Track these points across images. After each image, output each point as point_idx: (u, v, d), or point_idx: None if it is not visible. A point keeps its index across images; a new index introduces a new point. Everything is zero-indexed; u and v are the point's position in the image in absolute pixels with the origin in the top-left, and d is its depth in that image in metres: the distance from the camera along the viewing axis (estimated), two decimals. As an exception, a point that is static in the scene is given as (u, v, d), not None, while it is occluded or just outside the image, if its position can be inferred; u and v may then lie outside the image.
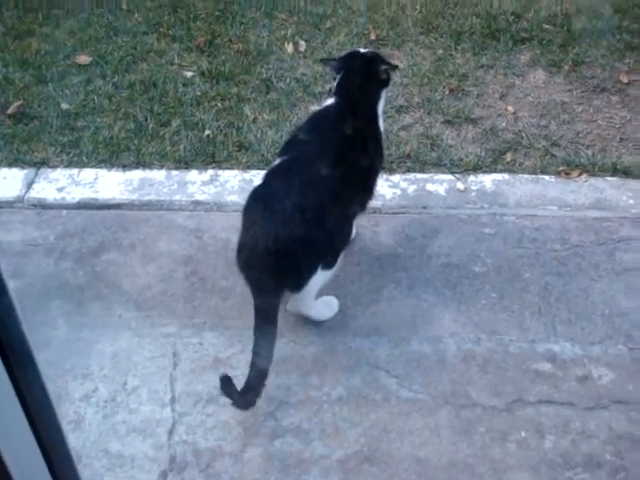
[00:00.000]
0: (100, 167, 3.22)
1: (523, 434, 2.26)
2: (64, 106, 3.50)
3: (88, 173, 3.19)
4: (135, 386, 2.40)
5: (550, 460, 2.19)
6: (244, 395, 2.21)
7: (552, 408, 2.32)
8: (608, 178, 3.13)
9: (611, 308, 2.61)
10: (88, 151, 3.28)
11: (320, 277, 2.35)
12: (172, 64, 3.78)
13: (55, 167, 3.21)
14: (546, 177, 3.15)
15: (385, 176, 3.12)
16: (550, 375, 2.41)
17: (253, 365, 2.22)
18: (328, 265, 2.37)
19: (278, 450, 2.22)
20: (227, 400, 2.24)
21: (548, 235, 2.86)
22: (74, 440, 2.24)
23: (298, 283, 2.33)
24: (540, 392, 2.37)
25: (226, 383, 2.20)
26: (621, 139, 3.35)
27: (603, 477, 2.15)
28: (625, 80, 3.66)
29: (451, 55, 3.80)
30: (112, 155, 3.26)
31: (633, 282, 2.69)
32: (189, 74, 3.72)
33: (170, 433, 2.27)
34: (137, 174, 3.19)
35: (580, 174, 3.15)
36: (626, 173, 3.15)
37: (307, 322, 2.53)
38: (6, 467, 0.73)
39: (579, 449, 2.22)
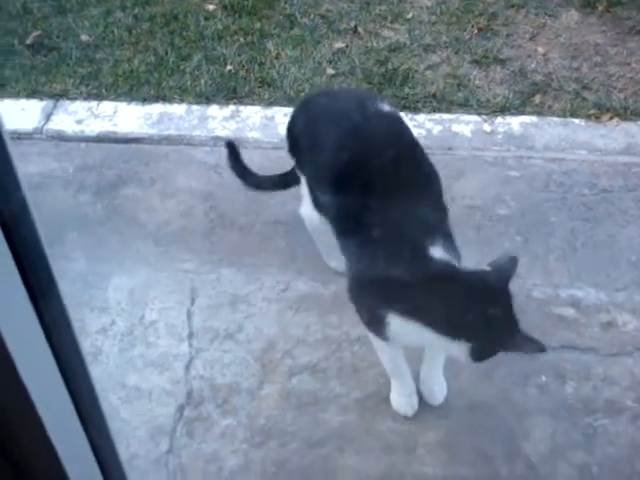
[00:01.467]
0: (119, 100, 3.17)
1: (544, 378, 2.22)
2: (83, 37, 3.44)
3: (107, 106, 3.14)
4: (152, 320, 2.38)
5: (570, 405, 2.16)
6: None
7: (574, 354, 2.28)
8: (640, 123, 3.05)
9: (638, 255, 2.55)
10: (107, 84, 3.22)
11: None
12: (194, -4, 3.69)
13: (74, 99, 3.16)
14: (576, 120, 3.06)
15: (410, 115, 3.05)
16: (573, 321, 2.37)
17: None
18: None
19: (295, 388, 2.21)
20: (243, 337, 2.24)
21: (576, 179, 2.79)
22: (91, 373, 2.23)
23: None
24: (562, 337, 2.32)
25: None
26: (655, 83, 3.25)
27: (623, 422, 2.11)
28: (661, 22, 3.54)
29: (481, -7, 3.68)
30: (132, 88, 3.21)
31: (662, 229, 2.63)
32: (211, 7, 3.63)
33: (187, 368, 2.26)
34: (157, 108, 3.13)
35: (611, 118, 3.06)
36: (659, 118, 3.06)
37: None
38: (29, 394, 0.71)
39: (600, 395, 2.18)
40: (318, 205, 2.16)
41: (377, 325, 1.87)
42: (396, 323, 1.78)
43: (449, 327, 1.72)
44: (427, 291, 1.74)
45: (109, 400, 2.17)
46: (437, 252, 1.79)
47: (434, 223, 1.90)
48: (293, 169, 2.33)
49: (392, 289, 1.79)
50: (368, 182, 1.91)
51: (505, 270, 1.76)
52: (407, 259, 1.80)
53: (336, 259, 2.30)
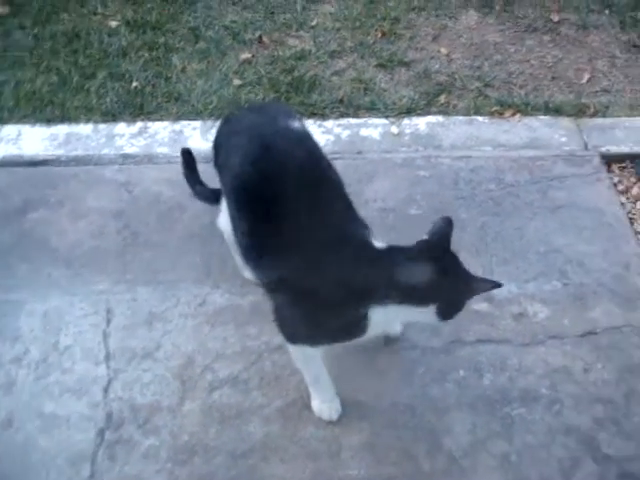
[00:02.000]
0: (23, 123, 3.10)
1: (462, 373, 2.27)
2: (-19, 60, 3.36)
3: (10, 129, 3.07)
4: (68, 345, 2.33)
5: (488, 397, 2.21)
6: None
7: (490, 346, 2.33)
8: (541, 117, 3.13)
9: (545, 245, 2.62)
10: (9, 107, 3.15)
11: None
12: (95, 14, 3.65)
13: (-26, 125, 3.09)
14: (480, 118, 3.13)
15: (319, 122, 3.08)
16: (487, 314, 2.42)
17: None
18: None
19: (217, 402, 2.19)
20: (162, 354, 2.23)
21: (483, 176, 2.86)
22: (6, 404, 2.18)
23: None
24: (478, 331, 2.37)
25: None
26: (553, 78, 3.35)
27: (539, 410, 2.17)
28: (556, 19, 3.65)
29: (382, -2, 3.74)
30: (35, 110, 3.15)
31: (566, 219, 2.71)
32: (114, 24, 3.59)
33: (105, 391, 2.22)
34: (63, 129, 3.08)
35: (513, 114, 3.14)
36: (558, 111, 3.15)
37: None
38: None
39: (516, 385, 2.24)
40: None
41: (352, 327, 1.88)
42: (378, 313, 1.82)
43: (418, 298, 1.81)
44: (390, 275, 1.80)
45: (26, 430, 2.13)
46: (376, 244, 1.89)
47: (352, 226, 1.94)
48: None
49: (358, 290, 1.83)
50: (270, 198, 1.92)
51: (442, 232, 1.86)
52: (351, 259, 1.86)
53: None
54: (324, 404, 2.15)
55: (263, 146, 1.99)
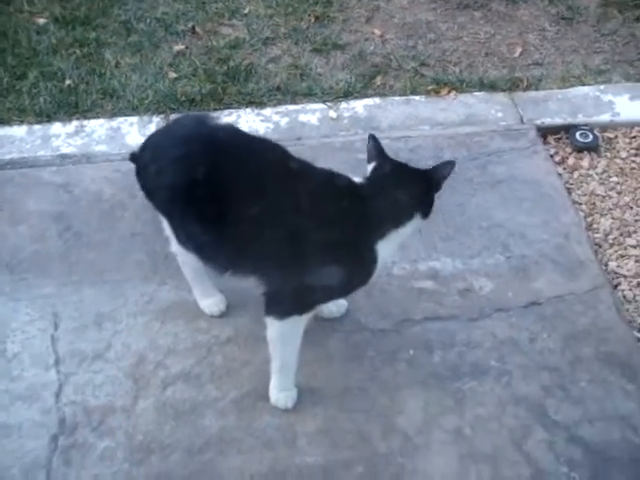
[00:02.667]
0: (-47, 128, 3.03)
1: (412, 352, 2.30)
2: None
3: (-59, 135, 3.00)
4: (16, 352, 2.30)
5: (439, 373, 2.25)
6: None
7: (438, 323, 2.37)
8: (476, 93, 3.17)
9: (487, 220, 2.67)
10: (-64, 113, 3.08)
11: None
12: (22, 11, 3.57)
13: None
14: (417, 97, 3.16)
15: (256, 111, 3.07)
16: (434, 292, 2.46)
17: None
18: None
19: (170, 398, 2.19)
20: (112, 354, 2.22)
21: (422, 154, 2.88)
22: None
23: None
24: (425, 309, 2.41)
25: None
26: (486, 54, 3.40)
27: (489, 382, 2.22)
28: (486, -6, 3.69)
29: (313, -18, 3.73)
30: (-35, 115, 3.07)
31: (506, 193, 2.75)
32: (42, 21, 3.52)
33: (57, 395, 2.20)
34: (-5, 132, 3.02)
35: (449, 92, 3.18)
36: (493, 87, 3.20)
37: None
38: None
39: (465, 359, 2.28)
40: (182, 241, 2.11)
41: (363, 269, 1.98)
42: (382, 247, 1.96)
43: (406, 215, 1.99)
44: (383, 206, 1.97)
45: (-23, 442, 2.10)
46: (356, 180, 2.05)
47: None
48: None
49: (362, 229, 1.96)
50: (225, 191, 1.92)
51: (378, 149, 2.09)
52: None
53: (213, 298, 2.37)
54: (282, 393, 2.15)
55: (204, 143, 1.98)
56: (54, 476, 2.03)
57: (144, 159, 2.08)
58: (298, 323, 2.02)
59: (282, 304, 2.01)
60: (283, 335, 2.05)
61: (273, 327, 2.03)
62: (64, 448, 2.09)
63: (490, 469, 2.05)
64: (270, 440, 2.10)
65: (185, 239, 2.08)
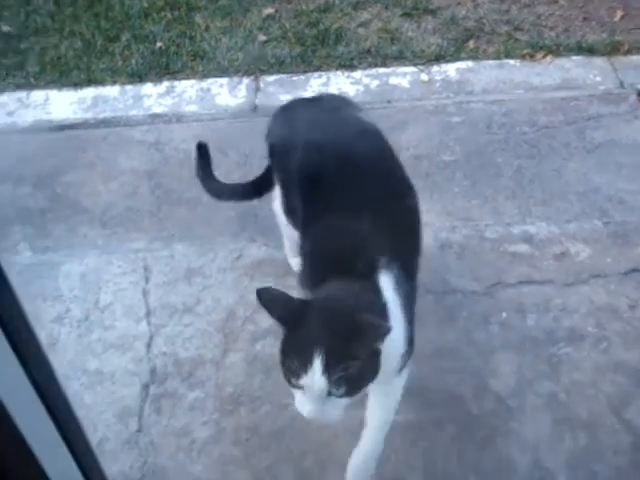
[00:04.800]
0: (50, 88, 3.09)
1: (505, 315, 2.24)
2: (4, 28, 3.34)
3: (38, 95, 3.06)
4: (108, 303, 2.33)
5: (533, 337, 2.18)
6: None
7: (532, 287, 2.30)
8: (573, 57, 3.07)
9: (584, 185, 2.57)
10: (35, 72, 3.15)
11: None
12: (115, -24, 3.60)
13: (2, 91, 3.08)
14: (511, 61, 3.07)
15: (347, 73, 3.04)
16: (528, 256, 2.38)
17: None
18: None
19: (260, 353, 2.18)
20: (202, 309, 2.22)
21: (517, 119, 2.81)
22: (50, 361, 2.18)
23: None
24: (519, 273, 2.34)
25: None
26: (584, 18, 3.28)
27: (586, 348, 2.14)
28: (585, -42, 3.56)
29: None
30: (61, 75, 3.13)
31: (604, 158, 2.65)
32: (134, -15, 3.55)
33: (148, 346, 2.22)
34: (90, 92, 3.07)
35: (545, 56, 3.07)
36: (591, 51, 3.08)
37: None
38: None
39: (561, 324, 2.20)
40: (287, 211, 2.02)
41: None
42: None
43: None
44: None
45: (72, 387, 2.13)
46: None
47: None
48: (261, 176, 2.19)
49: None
50: (334, 195, 1.75)
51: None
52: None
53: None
54: None
55: (331, 140, 1.83)
56: (146, 423, 2.05)
57: (287, 126, 1.98)
58: None
59: (410, 346, 1.74)
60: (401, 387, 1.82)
61: (400, 382, 1.80)
62: (155, 397, 2.10)
63: (586, 435, 1.97)
64: (363, 397, 2.07)
65: (291, 213, 1.98)
